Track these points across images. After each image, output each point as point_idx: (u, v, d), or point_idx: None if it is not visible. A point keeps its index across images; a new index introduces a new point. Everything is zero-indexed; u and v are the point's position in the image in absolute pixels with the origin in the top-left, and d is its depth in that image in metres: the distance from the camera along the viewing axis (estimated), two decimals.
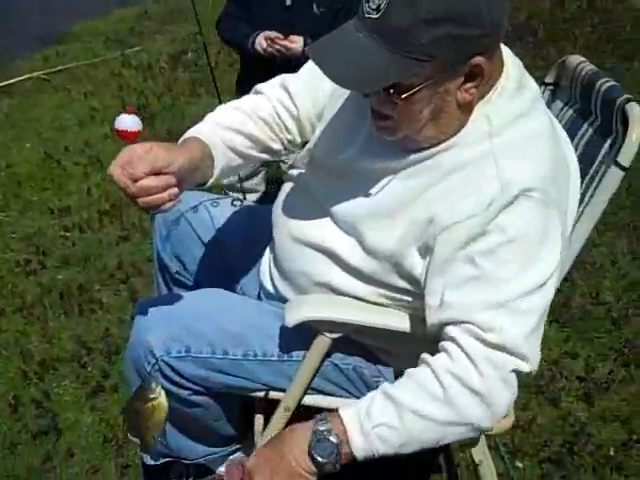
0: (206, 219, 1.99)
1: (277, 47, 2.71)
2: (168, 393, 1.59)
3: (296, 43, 2.70)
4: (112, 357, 2.59)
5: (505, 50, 1.46)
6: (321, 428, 1.37)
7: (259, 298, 1.82)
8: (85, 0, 7.66)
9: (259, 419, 1.78)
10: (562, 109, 1.80)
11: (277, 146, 1.75)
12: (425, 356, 1.40)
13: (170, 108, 4.79)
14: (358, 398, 1.64)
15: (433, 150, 1.43)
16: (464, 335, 1.35)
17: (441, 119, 1.39)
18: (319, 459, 1.36)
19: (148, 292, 2.87)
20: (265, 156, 1.76)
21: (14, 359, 2.60)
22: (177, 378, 1.60)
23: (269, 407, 1.70)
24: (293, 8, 2.73)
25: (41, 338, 2.70)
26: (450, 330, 1.38)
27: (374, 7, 1.30)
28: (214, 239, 1.97)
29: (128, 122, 2.33)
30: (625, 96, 1.52)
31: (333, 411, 1.40)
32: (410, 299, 1.52)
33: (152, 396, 1.46)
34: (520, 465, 2.16)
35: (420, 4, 1.26)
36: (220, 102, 1.83)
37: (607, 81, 1.60)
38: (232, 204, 2.03)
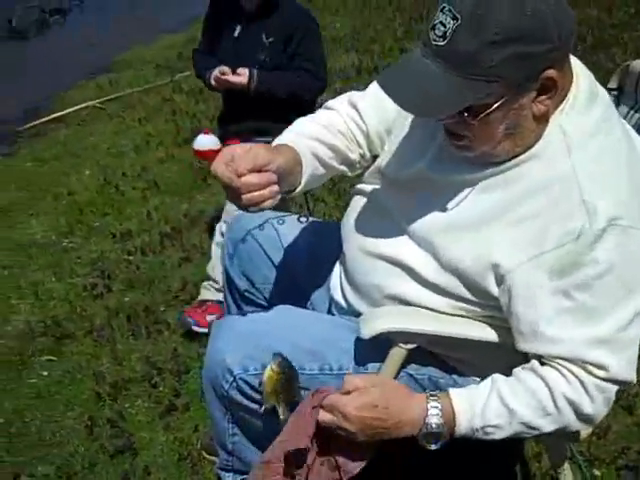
0: (273, 236, 2.01)
1: (224, 82, 2.69)
2: (247, 409, 1.63)
3: (242, 76, 2.65)
4: (182, 376, 2.62)
5: (573, 59, 1.46)
6: (433, 421, 1.45)
7: (330, 313, 1.83)
8: (134, 29, 7.83)
9: None
10: (628, 114, 1.79)
11: (354, 157, 1.78)
12: (540, 370, 1.44)
13: None
14: None
15: (513, 162, 1.44)
16: (577, 369, 1.41)
17: (517, 133, 1.40)
18: (427, 445, 1.48)
19: None
20: (344, 168, 1.78)
21: (87, 381, 2.65)
22: (255, 395, 1.62)
23: None
24: (241, 39, 2.73)
25: (112, 360, 2.75)
26: (561, 362, 1.42)
27: (440, 34, 1.32)
28: (282, 256, 1.99)
29: (205, 142, 2.48)
30: None
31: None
32: (486, 312, 1.52)
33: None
34: (598, 473, 2.14)
35: (486, 27, 1.28)
36: None
37: None
38: (298, 220, 2.05)
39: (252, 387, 1.61)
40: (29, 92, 6.06)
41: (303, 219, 2.06)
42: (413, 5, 7.28)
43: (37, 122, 5.45)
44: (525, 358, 1.49)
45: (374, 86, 1.75)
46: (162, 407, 2.49)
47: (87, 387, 2.62)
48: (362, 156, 1.79)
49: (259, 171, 1.45)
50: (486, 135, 1.40)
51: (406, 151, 1.65)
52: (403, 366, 1.61)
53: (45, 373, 2.72)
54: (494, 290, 1.46)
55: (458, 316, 1.56)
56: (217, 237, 2.86)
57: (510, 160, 1.44)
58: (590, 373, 1.40)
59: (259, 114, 2.72)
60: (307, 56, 2.70)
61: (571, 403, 1.42)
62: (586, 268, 1.35)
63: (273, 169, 1.47)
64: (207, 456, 2.22)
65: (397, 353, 1.58)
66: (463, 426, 1.45)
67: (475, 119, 1.36)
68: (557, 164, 1.40)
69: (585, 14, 6.32)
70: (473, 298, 1.51)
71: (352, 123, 1.77)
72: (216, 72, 2.68)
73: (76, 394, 2.60)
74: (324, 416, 1.48)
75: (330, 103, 1.84)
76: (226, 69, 2.66)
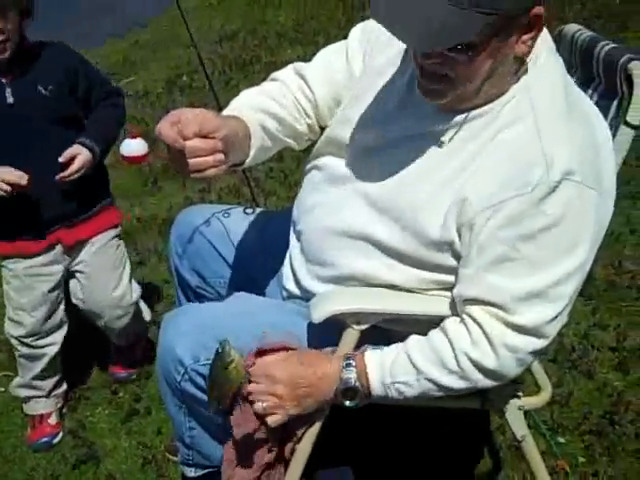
0: (220, 230, 1.98)
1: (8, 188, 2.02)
2: (202, 402, 1.61)
3: (82, 156, 2.12)
4: (142, 380, 2.59)
5: None
6: (347, 376, 1.49)
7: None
8: (77, 35, 7.70)
9: None
10: None
11: (302, 129, 1.75)
12: (448, 329, 1.46)
13: None
14: None
15: (477, 111, 1.43)
16: (489, 319, 1.41)
17: (497, 75, 1.38)
18: (344, 401, 1.51)
19: None
20: (291, 141, 1.76)
21: None
22: None
23: None
24: (17, 103, 2.10)
25: (71, 369, 2.69)
26: (475, 310, 1.42)
27: None
28: (231, 250, 1.97)
29: (134, 147, 2.27)
30: (627, 55, 1.51)
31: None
32: (450, 278, 1.50)
33: (229, 360, 1.47)
34: (562, 440, 2.15)
35: None
36: None
37: (607, 44, 1.60)
38: (244, 212, 2.03)
39: (204, 377, 1.58)
40: None
41: (249, 210, 2.04)
42: None
43: None
44: None
45: (320, 55, 1.76)
46: (123, 413, 2.46)
47: None
48: (310, 127, 1.77)
49: (205, 137, 1.40)
50: (470, 74, 1.36)
51: (361, 115, 1.62)
52: (357, 347, 1.60)
53: (2, 389, 2.66)
54: (458, 245, 1.44)
55: (416, 291, 1.55)
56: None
57: (475, 109, 1.43)
58: (503, 322, 1.40)
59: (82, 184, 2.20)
60: (99, 81, 2.28)
61: (474, 362, 1.43)
62: (534, 219, 1.35)
63: (220, 137, 1.42)
64: (171, 457, 2.19)
65: (350, 335, 1.56)
66: (375, 382, 1.48)
67: (466, 54, 1.32)
68: (520, 119, 1.40)
69: None
70: (438, 261, 1.49)
71: (299, 93, 1.74)
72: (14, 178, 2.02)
73: None
74: (254, 387, 1.51)
75: (275, 74, 1.81)
76: (23, 176, 2.03)
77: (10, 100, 2.09)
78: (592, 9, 6.01)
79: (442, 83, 1.40)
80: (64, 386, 2.49)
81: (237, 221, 2.00)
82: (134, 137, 2.19)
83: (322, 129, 1.76)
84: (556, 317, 1.41)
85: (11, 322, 2.31)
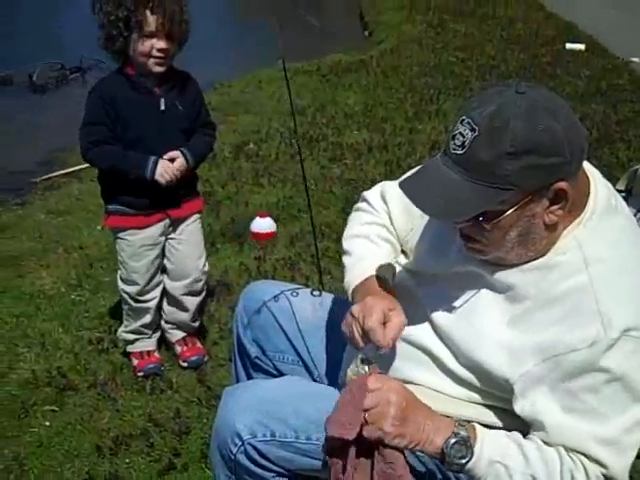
0: (286, 308, 2.09)
1: (174, 175, 2.72)
2: (253, 474, 1.68)
3: (179, 160, 2.73)
4: (183, 437, 2.65)
5: (594, 171, 1.58)
6: (461, 431, 1.50)
7: (339, 388, 1.89)
8: None
9: None
10: (635, 216, 1.87)
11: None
12: (559, 448, 1.50)
13: (234, 196, 4.91)
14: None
15: (529, 265, 1.54)
16: (581, 456, 1.48)
17: (530, 240, 1.51)
18: (453, 460, 1.49)
19: (215, 375, 2.99)
20: None
21: (87, 434, 2.69)
22: (262, 461, 1.69)
23: None
24: (166, 111, 2.73)
25: (114, 413, 2.79)
26: (565, 452, 1.50)
27: (459, 144, 1.45)
28: (294, 328, 2.07)
29: (264, 225, 2.49)
30: None
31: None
32: (499, 404, 1.61)
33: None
34: None
35: (503, 139, 1.40)
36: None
37: None
38: (312, 294, 2.14)
39: (260, 453, 1.67)
40: (45, 145, 6.18)
41: (316, 292, 2.15)
42: (424, 87, 7.46)
43: (53, 175, 5.52)
44: None
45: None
46: (161, 465, 2.52)
47: (87, 440, 2.66)
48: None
49: None
50: (499, 240, 1.51)
51: (428, 245, 1.76)
52: None
53: (47, 423, 2.75)
54: (508, 387, 1.55)
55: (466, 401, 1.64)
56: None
57: (526, 263, 1.54)
58: (593, 463, 1.48)
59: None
60: (206, 110, 2.92)
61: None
62: (597, 374, 1.45)
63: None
64: None
65: None
66: (485, 451, 1.48)
67: (489, 224, 1.47)
68: (574, 276, 1.50)
69: (591, 109, 6.49)
70: (488, 390, 1.61)
71: (389, 223, 1.91)
72: (164, 167, 2.70)
73: (76, 446, 2.63)
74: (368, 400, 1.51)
75: (367, 196, 1.99)
76: (168, 165, 2.71)
77: (162, 107, 2.72)
78: None
79: (478, 244, 1.54)
80: (159, 332, 3.17)
81: (303, 302, 2.11)
82: (263, 217, 2.41)
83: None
84: (630, 463, 1.49)
85: (126, 282, 2.96)
